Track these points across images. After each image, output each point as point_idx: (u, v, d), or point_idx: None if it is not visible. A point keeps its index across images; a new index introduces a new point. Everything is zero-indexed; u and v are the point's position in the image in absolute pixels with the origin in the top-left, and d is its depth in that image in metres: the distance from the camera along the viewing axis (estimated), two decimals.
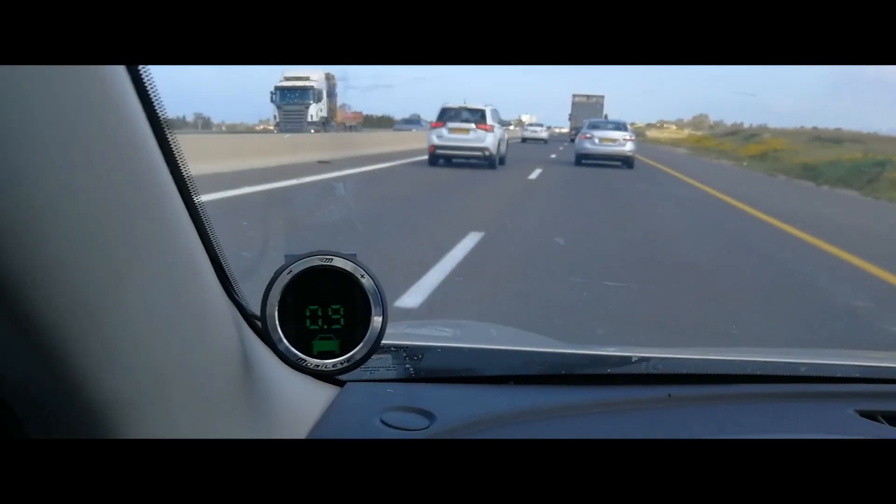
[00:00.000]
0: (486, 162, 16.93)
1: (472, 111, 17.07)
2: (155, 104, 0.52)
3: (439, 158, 17.00)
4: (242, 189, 8.49)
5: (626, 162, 20.92)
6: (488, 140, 16.74)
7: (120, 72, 0.48)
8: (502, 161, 17.96)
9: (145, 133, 0.50)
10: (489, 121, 16.98)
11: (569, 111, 50.37)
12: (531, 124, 47.58)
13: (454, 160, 17.04)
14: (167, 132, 0.54)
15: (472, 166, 16.78)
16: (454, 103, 17.35)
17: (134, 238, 0.47)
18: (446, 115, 17.06)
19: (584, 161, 20.90)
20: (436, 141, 16.91)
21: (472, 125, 16.77)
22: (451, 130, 16.79)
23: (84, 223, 0.42)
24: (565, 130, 53.16)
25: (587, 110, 42.85)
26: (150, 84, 0.52)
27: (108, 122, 0.44)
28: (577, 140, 22.86)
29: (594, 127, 21.77)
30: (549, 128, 50.15)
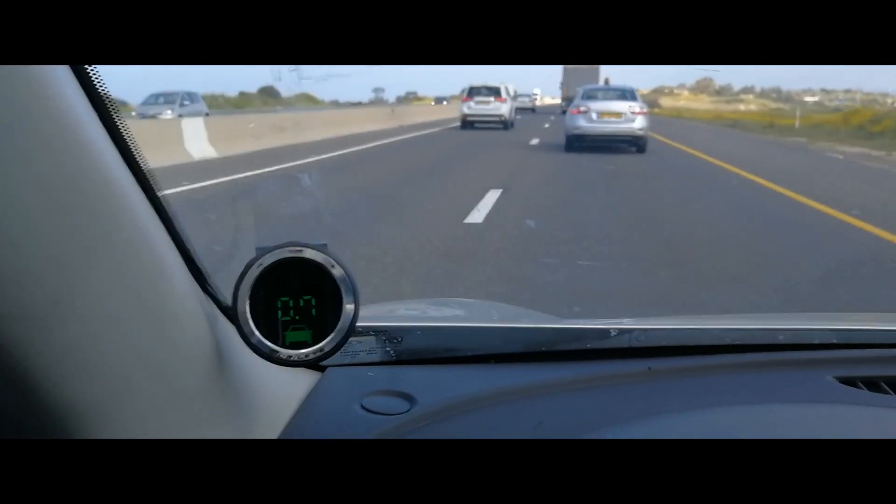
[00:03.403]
0: (502, 125, 23.30)
1: (491, 88, 23.47)
2: (105, 101, 0.51)
3: (467, 124, 23.50)
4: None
5: (634, 143, 14.88)
6: (503, 109, 23.36)
7: (64, 71, 0.46)
8: (512, 125, 24.08)
9: (94, 131, 0.48)
10: (503, 95, 23.44)
11: (560, 79, 45.38)
12: (520, 95, 46.86)
13: (477, 125, 23.37)
14: (121, 128, 0.52)
15: (491, 129, 22.83)
16: (477, 83, 23.68)
17: (87, 239, 0.45)
18: (473, 91, 23.55)
19: (577, 144, 15.02)
20: (466, 111, 23.75)
21: (492, 98, 23.34)
22: (477, 103, 23.44)
23: (28, 225, 0.40)
24: (554, 101, 50.28)
25: (582, 76, 37.40)
26: (98, 81, 0.50)
27: (49, 122, 0.43)
28: (567, 115, 16.21)
29: (590, 97, 15.57)
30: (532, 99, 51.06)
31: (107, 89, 0.52)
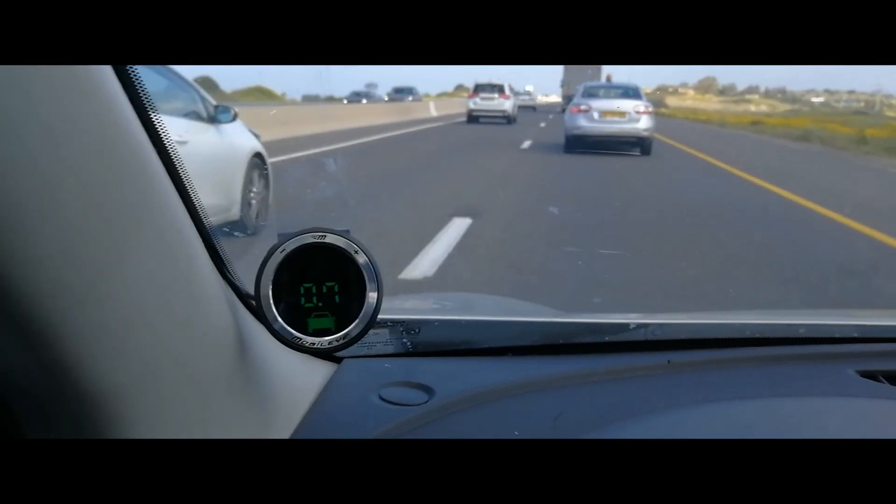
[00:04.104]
0: (506, 120, 25.65)
1: (495, 85, 26.02)
2: (139, 91, 0.52)
3: (473, 119, 25.73)
4: None
5: (639, 144, 13.81)
6: (507, 105, 25.86)
7: (102, 66, 0.47)
8: (515, 119, 26.35)
9: (130, 120, 0.49)
10: (507, 92, 26.05)
11: (560, 77, 44.63)
12: (521, 93, 45.81)
13: (482, 120, 25.63)
14: (153, 118, 0.54)
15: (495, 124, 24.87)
16: (483, 80, 26.22)
17: (121, 224, 0.46)
18: (479, 88, 26.02)
19: (577, 146, 13.67)
20: (472, 106, 25.96)
21: (496, 95, 25.79)
22: (483, 99, 25.76)
23: (67, 212, 0.41)
24: (549, 99, 49.40)
25: (584, 75, 35.57)
26: (133, 72, 0.51)
27: (88, 111, 0.44)
28: (566, 114, 15.11)
29: (591, 95, 14.61)
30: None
31: (143, 83, 0.53)
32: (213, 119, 4.86)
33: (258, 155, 5.33)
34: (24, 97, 0.39)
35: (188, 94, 4.78)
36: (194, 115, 4.73)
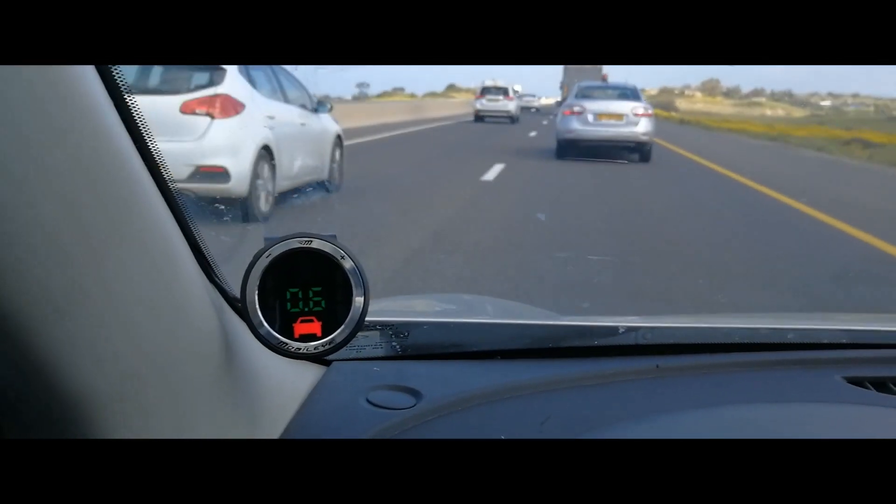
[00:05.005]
0: (509, 120, 28.07)
1: (500, 88, 28.66)
2: (122, 92, 0.51)
3: (479, 118, 28.46)
4: None
5: (637, 150, 12.59)
6: (511, 106, 28.44)
7: (83, 66, 0.46)
8: (518, 119, 28.82)
9: (110, 122, 0.49)
10: (511, 94, 28.73)
11: (560, 78, 42.58)
12: (524, 94, 45.21)
13: (487, 119, 28.23)
14: (137, 120, 0.53)
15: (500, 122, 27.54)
16: (489, 82, 28.72)
17: (102, 229, 0.46)
18: (485, 91, 28.67)
19: (570, 152, 12.45)
20: (478, 107, 28.93)
21: (501, 97, 28.49)
22: (489, 100, 28.46)
23: (43, 216, 0.41)
24: (550, 102, 48.04)
25: (584, 76, 32.59)
26: (116, 72, 0.51)
27: (66, 113, 0.43)
28: (558, 117, 13.97)
29: (585, 96, 13.27)
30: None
31: (125, 81, 0.52)
32: (315, 110, 7.12)
33: (339, 136, 7.67)
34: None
35: (302, 92, 7.02)
36: (305, 107, 6.98)
